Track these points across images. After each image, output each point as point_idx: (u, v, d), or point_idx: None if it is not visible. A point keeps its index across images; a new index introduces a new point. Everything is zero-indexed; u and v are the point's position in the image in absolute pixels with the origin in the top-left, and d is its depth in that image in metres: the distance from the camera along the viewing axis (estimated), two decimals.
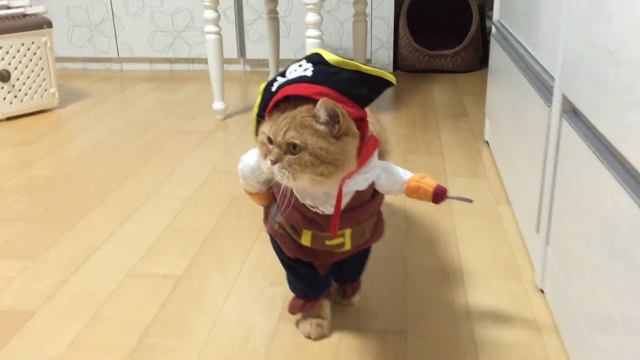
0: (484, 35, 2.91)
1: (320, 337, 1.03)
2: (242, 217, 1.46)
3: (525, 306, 1.10)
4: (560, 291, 0.99)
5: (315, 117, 0.83)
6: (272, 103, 0.87)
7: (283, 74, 0.89)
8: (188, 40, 2.88)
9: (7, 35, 2.16)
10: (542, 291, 1.14)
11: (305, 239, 0.96)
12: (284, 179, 0.84)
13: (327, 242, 0.96)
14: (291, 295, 1.07)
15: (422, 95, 2.48)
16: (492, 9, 3.23)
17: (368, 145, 0.89)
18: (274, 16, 2.48)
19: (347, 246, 0.97)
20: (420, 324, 1.06)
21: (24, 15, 2.26)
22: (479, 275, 1.20)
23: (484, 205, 1.49)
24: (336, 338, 1.03)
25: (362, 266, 1.10)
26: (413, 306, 1.11)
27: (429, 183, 0.95)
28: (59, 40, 2.94)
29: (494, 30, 1.83)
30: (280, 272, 1.21)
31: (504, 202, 1.51)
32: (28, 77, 2.24)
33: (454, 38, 3.01)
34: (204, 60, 2.97)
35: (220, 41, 2.11)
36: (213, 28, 2.09)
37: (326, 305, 1.07)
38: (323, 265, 1.02)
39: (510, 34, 1.57)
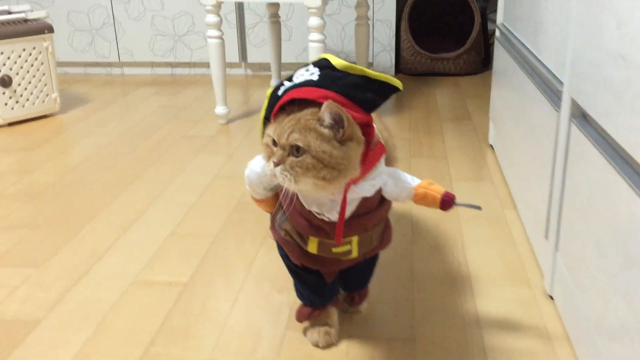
0: (486, 38, 2.91)
1: (329, 345, 1.02)
2: (246, 222, 1.45)
3: (535, 313, 1.09)
4: (570, 298, 0.98)
5: (319, 120, 0.82)
6: (278, 106, 0.87)
7: (290, 79, 0.90)
8: (189, 44, 2.87)
9: (8, 40, 2.15)
10: (551, 297, 1.13)
11: (312, 247, 0.95)
12: (286, 181, 0.83)
13: (334, 250, 0.95)
14: (298, 302, 1.06)
15: (425, 98, 2.47)
16: (494, 11, 3.22)
17: (374, 152, 0.88)
18: (275, 20, 2.47)
19: (354, 254, 0.96)
20: (429, 331, 1.05)
21: (25, 21, 2.25)
22: (487, 281, 1.19)
23: (490, 210, 1.48)
24: (344, 346, 1.02)
25: (370, 273, 1.09)
26: (421, 313, 1.10)
27: (437, 190, 0.94)
28: (59, 44, 2.93)
29: (497, 33, 1.83)
30: (286, 279, 1.20)
31: (510, 206, 1.50)
32: (29, 83, 2.23)
33: (455, 41, 3.00)
34: (205, 65, 2.96)
35: (223, 45, 2.10)
36: (215, 32, 2.08)
37: (334, 313, 1.06)
38: (330, 273, 1.01)
39: (515, 37, 1.56)
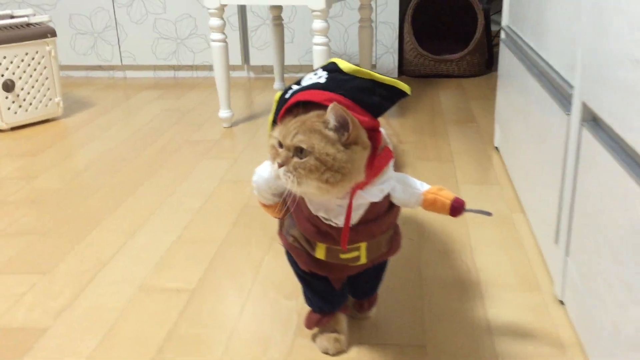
0: (490, 40, 2.90)
1: (339, 352, 1.01)
2: (252, 227, 1.45)
3: (546, 318, 1.08)
4: (582, 304, 0.98)
5: (325, 122, 0.82)
6: (285, 108, 0.87)
7: (299, 82, 0.90)
8: (192, 47, 2.87)
9: (11, 44, 2.14)
10: (561, 302, 1.12)
11: (320, 252, 0.95)
12: (289, 183, 0.83)
13: (342, 256, 0.95)
14: (306, 308, 1.05)
15: (429, 100, 2.47)
16: (497, 12, 3.21)
17: (381, 157, 0.87)
18: (278, 22, 2.47)
19: (363, 260, 0.96)
20: (439, 337, 1.04)
21: (28, 25, 2.24)
22: (497, 286, 1.18)
23: (497, 214, 1.48)
24: (354, 353, 1.01)
25: (379, 280, 1.08)
26: (431, 319, 1.09)
27: (447, 195, 0.93)
28: (61, 48, 2.93)
29: (503, 35, 1.82)
30: (294, 285, 1.19)
31: (517, 210, 1.49)
32: (32, 87, 2.23)
33: (459, 42, 2.99)
34: (208, 67, 2.95)
35: (226, 49, 2.10)
36: (219, 35, 2.07)
37: (343, 320, 1.05)
38: (338, 279, 1.01)
39: (522, 39, 1.55)
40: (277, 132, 0.85)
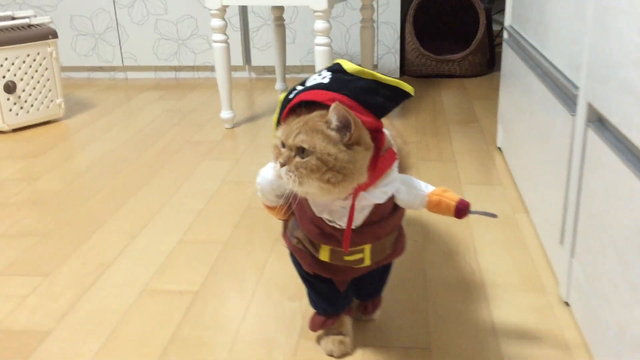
0: (491, 40, 2.89)
1: (343, 354, 1.01)
2: (255, 229, 1.44)
3: (551, 320, 1.08)
4: (588, 306, 0.97)
5: (327, 122, 0.82)
6: (288, 108, 0.87)
7: (303, 83, 0.89)
8: (193, 48, 2.86)
9: (12, 46, 2.14)
10: (566, 304, 1.11)
11: (324, 254, 0.94)
12: (290, 182, 0.82)
13: (346, 258, 0.94)
14: (311, 310, 1.05)
15: (431, 100, 2.46)
16: (498, 12, 3.21)
17: (384, 159, 0.87)
18: (280, 23, 2.46)
19: (367, 262, 0.95)
20: (444, 339, 1.04)
21: (29, 26, 2.24)
22: (501, 287, 1.18)
23: (501, 215, 1.47)
24: (359, 356, 1.01)
25: (384, 282, 1.08)
26: (436, 321, 1.09)
27: (451, 197, 0.93)
28: (62, 49, 2.92)
29: (505, 35, 1.81)
30: (298, 286, 1.19)
31: (521, 210, 1.49)
32: (34, 88, 2.22)
33: (460, 42, 2.99)
34: (209, 68, 2.95)
35: (228, 49, 2.09)
36: (220, 36, 2.07)
37: (347, 322, 1.04)
38: (343, 281, 1.00)
39: (525, 39, 1.55)
40: (280, 132, 0.85)
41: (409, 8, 2.77)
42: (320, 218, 0.90)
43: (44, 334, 1.08)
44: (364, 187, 0.86)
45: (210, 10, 2.03)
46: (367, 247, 0.93)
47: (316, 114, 0.83)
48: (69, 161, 1.92)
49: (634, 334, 0.78)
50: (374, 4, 2.69)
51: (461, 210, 0.92)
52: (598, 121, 0.97)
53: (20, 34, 2.16)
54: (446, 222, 1.44)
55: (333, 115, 0.81)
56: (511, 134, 1.65)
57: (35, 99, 2.23)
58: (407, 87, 0.87)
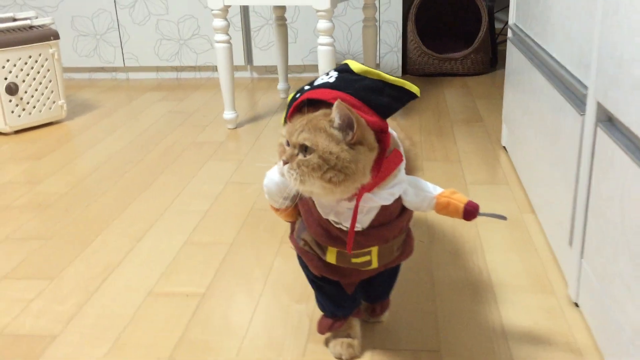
0: (493, 38, 2.88)
1: (352, 357, 1.00)
2: (261, 230, 1.43)
3: (561, 321, 1.07)
4: (599, 307, 0.96)
5: (330, 121, 0.81)
6: (293, 107, 0.87)
7: (311, 83, 0.89)
8: (194, 48, 2.86)
9: (14, 47, 2.13)
10: (576, 305, 1.11)
11: (331, 257, 0.94)
12: (292, 180, 0.82)
13: (353, 260, 0.93)
14: (318, 313, 1.04)
15: (434, 99, 2.45)
16: (500, 9, 3.20)
17: (389, 160, 0.86)
18: (282, 22, 2.45)
19: (374, 264, 0.94)
20: (453, 341, 1.03)
21: (31, 27, 2.23)
22: (510, 288, 1.17)
23: (508, 215, 1.46)
24: (368, 358, 1.00)
25: (392, 284, 1.07)
26: (445, 323, 1.08)
27: (460, 199, 0.92)
28: (64, 50, 2.91)
29: (510, 34, 1.80)
30: (305, 288, 1.18)
31: (528, 210, 1.48)
32: (36, 90, 2.22)
33: (462, 41, 2.98)
34: (211, 68, 2.94)
35: (230, 50, 2.08)
36: (223, 37, 2.06)
37: (356, 324, 1.04)
38: (350, 284, 1.00)
39: (530, 38, 1.54)
40: (285, 130, 0.85)
41: (411, 7, 2.76)
42: (327, 220, 0.90)
43: (50, 338, 1.08)
44: (368, 188, 0.85)
45: (213, 10, 2.02)
46: (375, 250, 0.93)
47: (320, 112, 0.83)
48: (72, 163, 1.91)
49: None
50: (376, 2, 2.68)
51: (470, 212, 0.92)
52: (608, 121, 0.96)
53: (22, 36, 2.15)
54: (452, 222, 1.43)
55: (336, 113, 0.80)
56: (517, 133, 1.64)
57: (38, 101, 2.23)
58: (413, 88, 0.87)
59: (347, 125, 0.81)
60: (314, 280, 1.01)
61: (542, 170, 1.34)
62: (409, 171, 0.96)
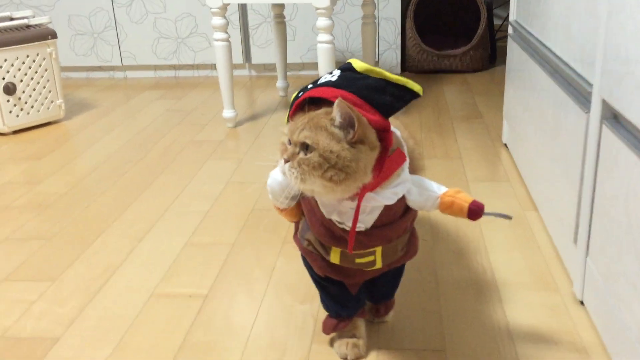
0: (492, 34, 2.88)
1: (357, 357, 1.00)
2: (262, 230, 1.43)
3: (566, 319, 1.06)
4: (605, 305, 0.96)
5: (332, 120, 0.81)
6: (295, 105, 0.87)
7: (315, 82, 0.89)
8: (192, 46, 2.84)
9: (11, 47, 2.12)
10: (581, 303, 1.10)
11: (334, 257, 0.93)
12: (292, 179, 0.82)
13: (357, 260, 0.93)
14: (323, 313, 1.03)
15: (434, 96, 2.44)
16: (499, 6, 3.19)
17: (391, 159, 0.85)
18: (280, 20, 2.44)
19: (378, 264, 0.94)
20: (458, 341, 1.02)
21: (28, 27, 2.22)
22: (514, 286, 1.17)
23: (510, 212, 1.45)
24: (373, 358, 1.00)
25: (396, 284, 1.06)
26: (449, 322, 1.07)
27: (464, 198, 0.91)
28: (61, 49, 2.90)
29: (511, 30, 1.80)
30: (309, 289, 1.17)
31: (530, 208, 1.48)
32: (34, 89, 2.20)
33: (461, 37, 2.97)
34: (209, 67, 2.93)
35: (229, 48, 2.07)
36: (222, 35, 2.05)
37: (361, 324, 1.03)
38: (354, 284, 0.99)
39: (532, 35, 1.53)
40: (287, 128, 0.85)
41: (410, 4, 2.75)
42: (330, 220, 0.89)
43: (51, 341, 1.07)
44: (370, 188, 0.84)
45: (211, 8, 2.01)
46: (379, 250, 0.92)
47: (322, 111, 0.83)
48: (72, 163, 1.90)
49: None
50: (375, 0, 2.67)
51: (475, 211, 0.91)
52: (613, 118, 0.95)
53: (19, 35, 2.14)
54: (455, 221, 1.42)
55: (336, 111, 0.80)
56: (518, 130, 1.64)
57: (36, 100, 2.21)
58: (416, 87, 0.87)
59: (348, 124, 0.80)
60: (318, 281, 1.00)
61: (544, 167, 1.33)
62: (413, 170, 0.95)
